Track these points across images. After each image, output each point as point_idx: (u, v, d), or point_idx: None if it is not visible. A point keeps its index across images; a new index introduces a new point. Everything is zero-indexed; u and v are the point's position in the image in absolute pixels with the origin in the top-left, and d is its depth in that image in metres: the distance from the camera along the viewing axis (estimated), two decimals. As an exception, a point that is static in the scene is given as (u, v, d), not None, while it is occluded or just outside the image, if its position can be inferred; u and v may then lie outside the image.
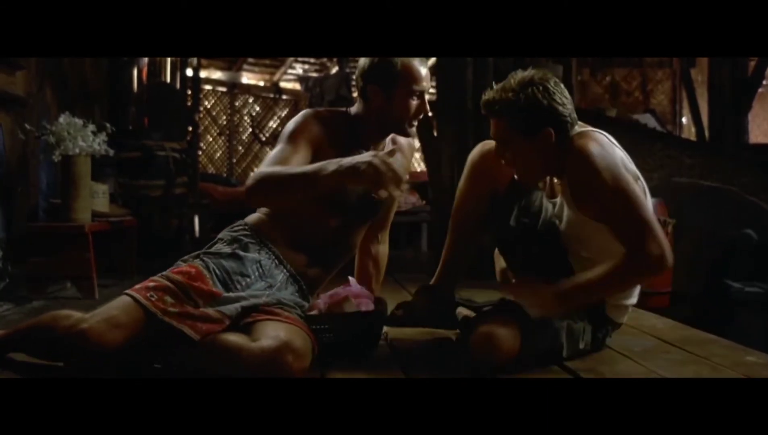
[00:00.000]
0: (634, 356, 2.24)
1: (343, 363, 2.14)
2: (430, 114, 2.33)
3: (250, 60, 10.41)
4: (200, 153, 8.84)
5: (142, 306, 1.96)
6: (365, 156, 1.97)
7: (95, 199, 3.88)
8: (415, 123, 2.30)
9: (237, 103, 10.48)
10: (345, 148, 2.25)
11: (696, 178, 5.21)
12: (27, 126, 3.72)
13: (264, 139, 10.51)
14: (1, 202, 3.68)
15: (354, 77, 2.30)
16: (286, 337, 1.96)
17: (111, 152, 3.84)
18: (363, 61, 2.27)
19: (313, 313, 2.23)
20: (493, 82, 2.18)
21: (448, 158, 4.40)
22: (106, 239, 4.08)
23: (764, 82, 7.55)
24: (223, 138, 10.31)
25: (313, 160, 2.19)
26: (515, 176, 2.22)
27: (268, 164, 2.14)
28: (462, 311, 2.41)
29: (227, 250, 2.20)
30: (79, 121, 3.69)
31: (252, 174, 2.17)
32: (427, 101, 2.27)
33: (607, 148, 2.08)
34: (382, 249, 2.56)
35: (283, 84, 10.94)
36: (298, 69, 10.81)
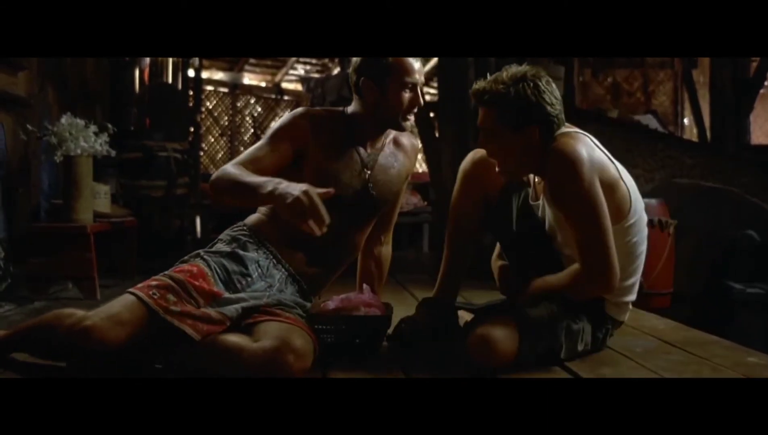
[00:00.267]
0: (635, 357, 2.24)
1: (344, 363, 2.14)
2: (422, 105, 2.32)
3: (252, 61, 10.42)
4: (202, 153, 8.85)
5: (145, 304, 1.96)
6: (300, 188, 1.96)
7: (97, 199, 3.88)
8: (410, 117, 2.30)
9: (239, 104, 10.49)
10: (340, 147, 2.27)
11: (697, 179, 5.21)
12: (29, 126, 3.72)
13: (265, 139, 10.48)
14: (3, 203, 3.68)
15: (349, 74, 2.31)
16: (287, 337, 1.97)
17: (112, 153, 3.85)
18: (355, 58, 2.29)
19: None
20: (487, 74, 2.20)
21: (449, 159, 4.40)
22: (107, 240, 4.09)
23: (766, 83, 7.53)
24: (224, 139, 10.31)
25: (305, 159, 2.23)
26: (497, 169, 2.23)
27: (239, 160, 2.19)
28: (464, 316, 2.41)
29: (227, 249, 2.21)
30: (80, 122, 3.69)
31: (219, 169, 2.20)
32: (420, 94, 2.27)
33: (585, 152, 2.08)
34: (385, 250, 2.56)
35: (284, 85, 10.94)
36: (300, 70, 10.82)
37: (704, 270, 4.52)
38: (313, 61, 10.58)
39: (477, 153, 2.36)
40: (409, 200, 6.41)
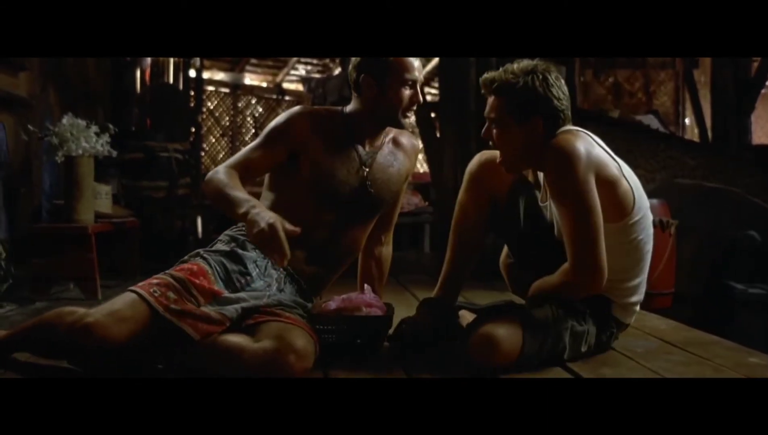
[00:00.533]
0: (637, 357, 2.24)
1: (345, 363, 2.14)
2: (422, 102, 2.33)
3: (253, 61, 10.42)
4: (203, 154, 8.86)
5: (146, 301, 1.97)
6: (267, 219, 1.96)
7: (98, 200, 3.88)
8: (409, 114, 2.30)
9: (240, 104, 10.49)
10: (338, 145, 2.28)
11: (699, 179, 5.21)
12: (30, 127, 3.73)
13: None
14: (5, 203, 3.69)
15: (348, 72, 2.31)
16: (288, 337, 1.97)
17: (114, 153, 3.85)
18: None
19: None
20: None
21: (450, 159, 4.41)
22: (109, 240, 4.09)
23: (767, 83, 7.53)
24: (226, 139, 10.32)
25: (302, 157, 2.23)
26: (498, 160, 2.25)
27: (231, 163, 2.22)
28: (465, 316, 2.41)
29: (226, 248, 2.22)
30: (82, 122, 3.70)
31: (213, 170, 2.22)
32: (419, 91, 2.28)
33: (583, 148, 2.09)
34: (386, 251, 2.56)
35: (285, 85, 10.94)
36: (301, 70, 10.82)
37: (705, 270, 4.52)
38: (314, 61, 10.59)
39: (484, 154, 2.37)
40: (410, 200, 6.42)
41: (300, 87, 10.58)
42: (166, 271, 2.09)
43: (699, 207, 4.65)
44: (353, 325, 2.21)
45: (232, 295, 2.10)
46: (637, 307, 2.31)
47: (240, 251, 2.20)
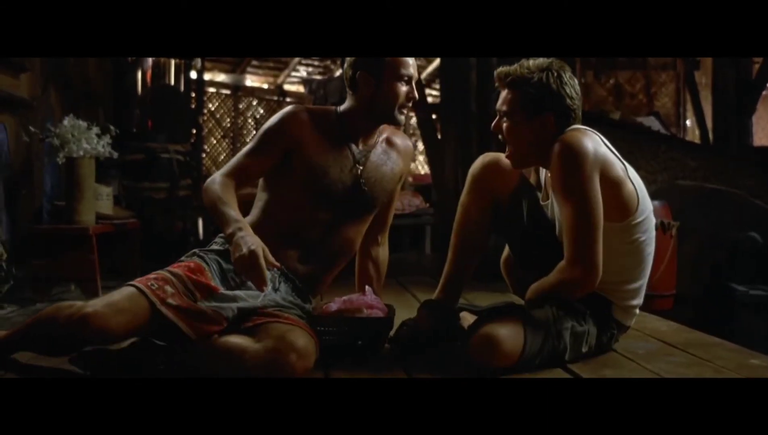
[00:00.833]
0: (638, 359, 2.23)
1: (346, 363, 2.15)
2: (417, 99, 2.34)
3: (254, 63, 10.42)
4: (204, 155, 8.85)
5: (144, 295, 1.98)
6: (249, 246, 1.99)
7: (99, 201, 3.89)
8: (405, 110, 2.31)
9: (241, 106, 10.49)
10: (331, 143, 2.28)
11: (700, 181, 5.21)
12: (31, 128, 3.73)
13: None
14: (6, 204, 3.69)
15: (344, 70, 2.32)
16: (289, 337, 1.98)
17: (115, 154, 3.85)
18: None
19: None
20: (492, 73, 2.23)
21: (451, 161, 4.41)
22: (110, 241, 4.09)
23: (768, 85, 7.53)
24: (227, 140, 10.31)
25: (296, 156, 2.24)
26: (506, 154, 2.26)
27: (227, 170, 2.24)
28: (466, 317, 2.41)
29: (221, 248, 2.24)
30: (83, 124, 3.70)
31: (209, 178, 2.24)
32: (415, 88, 2.29)
33: (591, 146, 2.10)
34: (383, 251, 2.55)
35: (286, 86, 10.94)
36: (302, 71, 10.82)
37: (707, 272, 4.52)
38: (316, 62, 10.59)
39: (487, 156, 2.38)
40: (411, 202, 6.41)
41: (301, 88, 10.57)
42: (165, 268, 2.12)
43: (700, 208, 4.65)
44: (354, 326, 2.21)
45: (229, 293, 2.11)
46: (637, 311, 2.32)
47: None
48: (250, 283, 2.17)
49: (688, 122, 9.38)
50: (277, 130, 2.27)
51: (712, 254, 4.56)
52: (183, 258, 2.22)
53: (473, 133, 4.23)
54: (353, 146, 2.32)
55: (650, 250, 2.24)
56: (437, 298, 2.42)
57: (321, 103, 8.57)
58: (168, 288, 2.02)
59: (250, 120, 10.55)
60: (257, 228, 2.22)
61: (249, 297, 2.11)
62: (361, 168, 2.31)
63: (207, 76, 9.14)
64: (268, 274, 2.00)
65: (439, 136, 4.71)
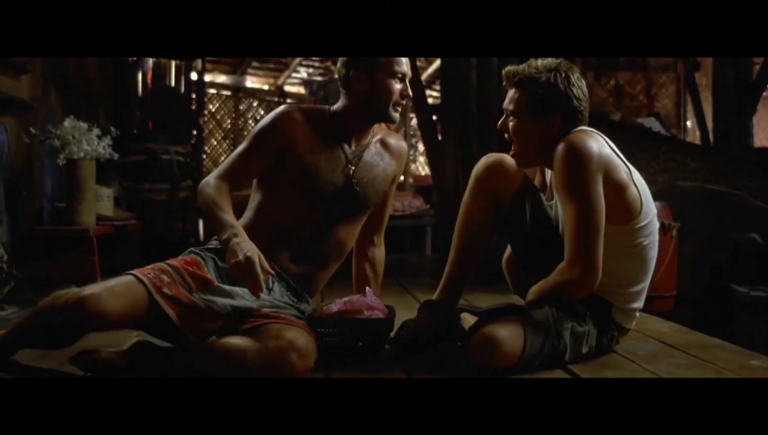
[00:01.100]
0: (639, 360, 2.23)
1: (346, 363, 2.15)
2: (411, 96, 2.35)
3: (255, 64, 10.43)
4: (205, 156, 8.85)
5: (141, 283, 2.01)
6: (245, 252, 2.01)
7: (100, 202, 3.89)
8: (399, 108, 2.30)
9: (241, 107, 10.48)
10: (324, 143, 2.28)
11: (700, 182, 5.21)
12: (32, 130, 3.73)
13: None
14: (7, 206, 3.68)
15: (337, 69, 2.32)
16: (289, 336, 1.99)
17: (115, 156, 3.85)
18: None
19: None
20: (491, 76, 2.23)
21: (452, 162, 4.40)
22: (110, 243, 4.09)
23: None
24: (227, 141, 10.31)
25: (288, 156, 2.25)
26: (510, 154, 2.27)
27: (221, 173, 2.25)
28: (467, 318, 2.41)
29: (216, 247, 2.25)
30: (83, 125, 3.70)
31: (203, 180, 2.25)
32: (408, 86, 2.29)
33: (596, 148, 2.10)
34: (379, 251, 2.55)
35: (287, 88, 10.95)
36: (303, 73, 10.83)
37: (707, 273, 4.52)
38: (316, 64, 10.59)
39: (490, 157, 2.37)
40: (412, 203, 6.41)
41: (302, 90, 10.58)
42: (163, 262, 2.15)
43: (701, 209, 4.65)
44: (355, 327, 2.21)
45: (225, 287, 2.12)
46: (638, 313, 2.32)
47: None
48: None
49: (688, 123, 9.39)
50: (271, 130, 2.27)
51: (713, 255, 4.55)
52: (180, 256, 2.23)
53: (473, 134, 4.23)
54: (346, 146, 2.32)
55: (653, 254, 2.24)
56: (438, 299, 2.42)
57: (322, 104, 8.58)
58: (164, 277, 2.05)
59: (250, 121, 10.55)
60: (250, 228, 2.22)
61: (244, 294, 2.11)
62: (353, 168, 2.31)
63: (207, 78, 9.15)
64: (263, 280, 2.01)
65: (439, 137, 4.71)
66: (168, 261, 2.14)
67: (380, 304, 2.29)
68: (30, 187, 4.03)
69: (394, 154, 2.42)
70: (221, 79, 10.39)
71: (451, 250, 2.43)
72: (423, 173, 8.99)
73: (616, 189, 2.12)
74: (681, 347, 2.42)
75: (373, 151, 2.37)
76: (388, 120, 2.31)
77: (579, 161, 2.07)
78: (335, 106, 2.36)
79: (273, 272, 2.09)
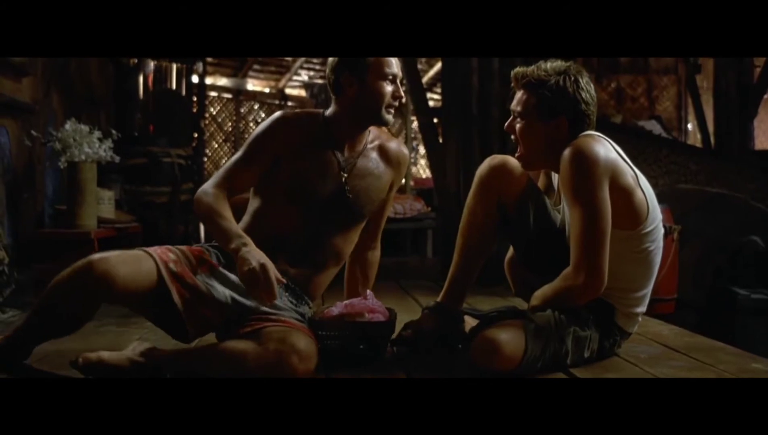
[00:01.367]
0: (640, 363, 2.23)
1: (347, 365, 2.15)
2: (403, 98, 2.33)
3: (256, 66, 10.44)
4: (206, 159, 8.86)
5: (150, 256, 2.03)
6: (258, 260, 2.01)
7: (101, 205, 3.89)
8: (392, 110, 2.28)
9: (242, 110, 10.50)
10: (316, 149, 2.27)
11: (701, 185, 5.21)
12: (33, 132, 3.74)
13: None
14: (8, 209, 3.69)
15: (326, 75, 2.32)
16: (290, 339, 1.99)
17: (117, 159, 3.86)
18: (332, 58, 2.29)
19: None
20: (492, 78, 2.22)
21: (453, 165, 4.40)
22: (111, 245, 4.07)
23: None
24: (228, 144, 10.32)
25: (282, 163, 2.24)
26: (516, 155, 2.26)
27: (217, 181, 2.23)
28: (469, 322, 2.41)
29: (214, 246, 2.26)
30: (85, 128, 3.70)
31: (200, 188, 2.24)
32: (400, 87, 2.28)
33: (602, 153, 2.09)
34: (371, 255, 2.52)
35: (288, 90, 10.96)
36: (304, 75, 10.83)
37: (708, 276, 4.51)
38: (317, 66, 10.60)
39: (494, 159, 2.37)
40: (413, 206, 6.41)
41: (302, 92, 10.60)
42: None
43: (702, 212, 4.65)
44: (356, 330, 2.21)
45: (230, 275, 2.13)
46: (640, 318, 2.31)
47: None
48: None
49: (689, 126, 9.40)
50: (266, 136, 2.26)
51: (714, 258, 4.55)
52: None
53: (475, 137, 4.23)
54: (338, 153, 2.29)
55: (657, 259, 2.23)
56: (441, 301, 2.41)
57: (323, 107, 8.58)
58: (171, 255, 2.07)
59: (251, 124, 10.56)
60: (247, 232, 2.21)
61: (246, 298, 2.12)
62: (345, 175, 2.28)
63: (209, 80, 9.16)
64: (276, 288, 2.00)
65: (440, 140, 4.71)
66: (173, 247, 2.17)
67: (381, 306, 2.29)
68: (31, 190, 4.04)
69: (393, 161, 2.39)
70: (222, 81, 10.40)
71: (455, 252, 2.42)
72: (424, 176, 9.00)
73: (623, 194, 2.11)
74: (682, 350, 2.42)
75: (368, 158, 2.34)
76: (381, 122, 2.29)
77: (585, 166, 2.06)
78: (328, 112, 2.34)
79: (284, 281, 2.08)
